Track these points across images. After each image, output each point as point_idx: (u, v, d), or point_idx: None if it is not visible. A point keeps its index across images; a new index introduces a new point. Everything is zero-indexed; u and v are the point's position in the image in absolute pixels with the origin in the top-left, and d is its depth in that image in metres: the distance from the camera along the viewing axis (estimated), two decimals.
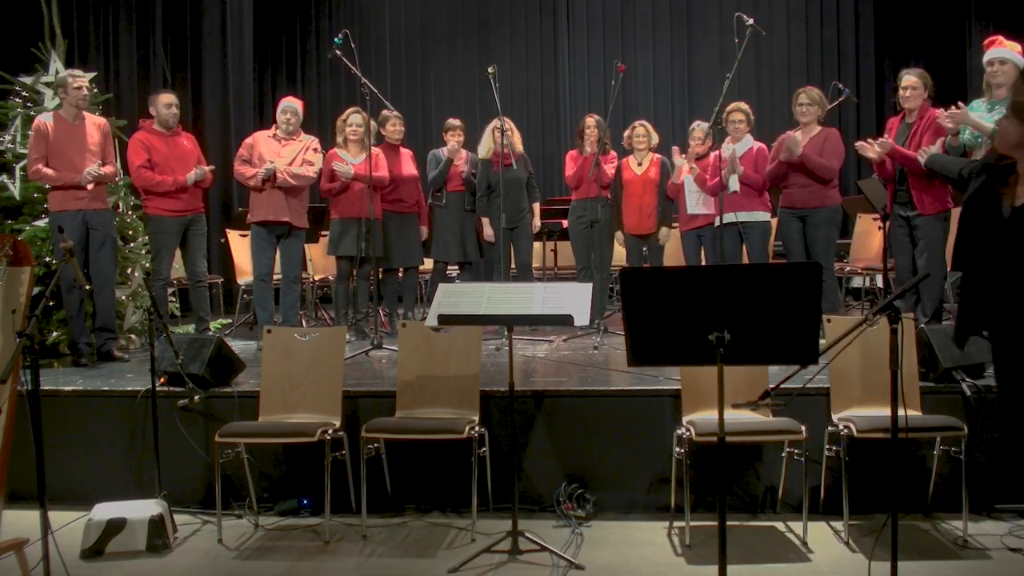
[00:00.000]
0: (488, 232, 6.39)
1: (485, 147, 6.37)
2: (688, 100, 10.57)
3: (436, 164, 6.36)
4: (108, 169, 5.36)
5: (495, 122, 6.12)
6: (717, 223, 5.45)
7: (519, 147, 6.44)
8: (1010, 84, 4.54)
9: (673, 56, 10.63)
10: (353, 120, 6.10)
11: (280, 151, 5.83)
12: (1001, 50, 4.58)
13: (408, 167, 6.31)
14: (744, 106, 5.78)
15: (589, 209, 6.09)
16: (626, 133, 6.42)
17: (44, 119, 5.28)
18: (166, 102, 5.67)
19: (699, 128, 6.08)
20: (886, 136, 5.01)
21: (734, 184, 5.53)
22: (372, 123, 5.99)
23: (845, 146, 5.56)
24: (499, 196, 5.99)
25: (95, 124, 5.41)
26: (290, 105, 5.93)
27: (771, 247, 6.52)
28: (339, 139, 6.18)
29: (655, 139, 6.35)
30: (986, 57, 4.63)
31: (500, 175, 5.95)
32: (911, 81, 4.97)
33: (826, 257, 5.37)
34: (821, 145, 5.35)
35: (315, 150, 5.98)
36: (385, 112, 6.36)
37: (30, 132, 5.35)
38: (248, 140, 5.98)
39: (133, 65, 9.04)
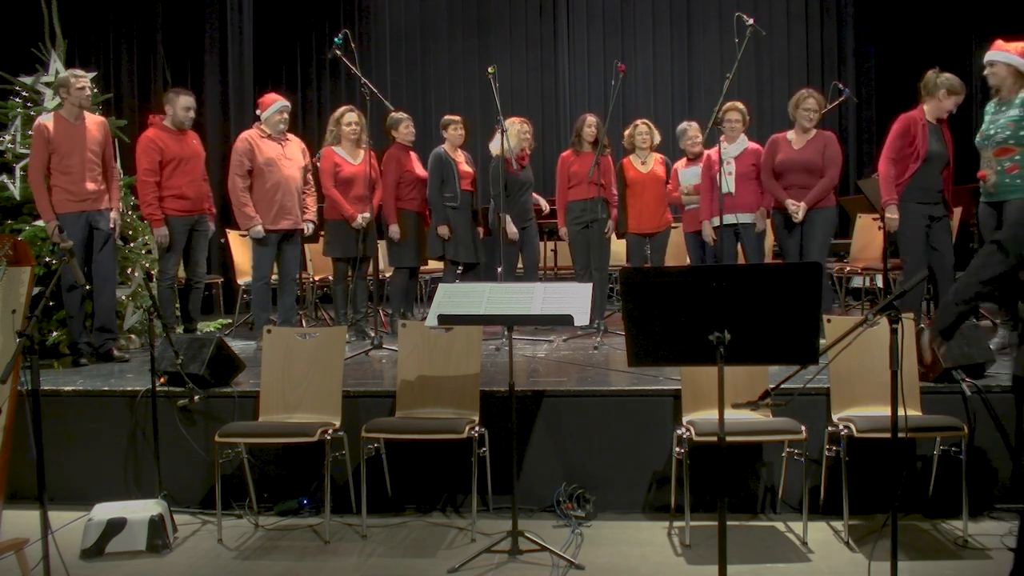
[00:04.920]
0: (512, 230, 6.13)
1: (495, 149, 6.26)
2: (688, 100, 10.57)
3: (439, 164, 6.30)
4: (116, 206, 5.44)
5: (507, 123, 5.96)
6: (716, 223, 5.46)
7: (527, 151, 6.40)
8: (1007, 85, 4.59)
9: (673, 56, 10.63)
10: (350, 119, 6.04)
11: (283, 152, 5.80)
12: (992, 53, 4.62)
13: (419, 168, 6.34)
14: (740, 105, 5.77)
15: (588, 210, 6.08)
16: (627, 132, 6.39)
17: (44, 120, 5.25)
18: (185, 104, 5.63)
19: (692, 128, 6.16)
20: None
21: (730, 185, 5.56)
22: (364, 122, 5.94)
23: (843, 145, 5.56)
24: (511, 195, 6.02)
25: (95, 123, 5.39)
26: (285, 105, 5.84)
27: (770, 247, 6.54)
28: (329, 137, 6.09)
29: (657, 138, 6.34)
30: (984, 59, 4.68)
31: (503, 178, 5.92)
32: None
33: (821, 258, 5.37)
34: (820, 149, 5.36)
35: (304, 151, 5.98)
36: (396, 115, 6.30)
37: (31, 133, 5.34)
38: (242, 145, 5.74)
39: (133, 65, 9.05)
